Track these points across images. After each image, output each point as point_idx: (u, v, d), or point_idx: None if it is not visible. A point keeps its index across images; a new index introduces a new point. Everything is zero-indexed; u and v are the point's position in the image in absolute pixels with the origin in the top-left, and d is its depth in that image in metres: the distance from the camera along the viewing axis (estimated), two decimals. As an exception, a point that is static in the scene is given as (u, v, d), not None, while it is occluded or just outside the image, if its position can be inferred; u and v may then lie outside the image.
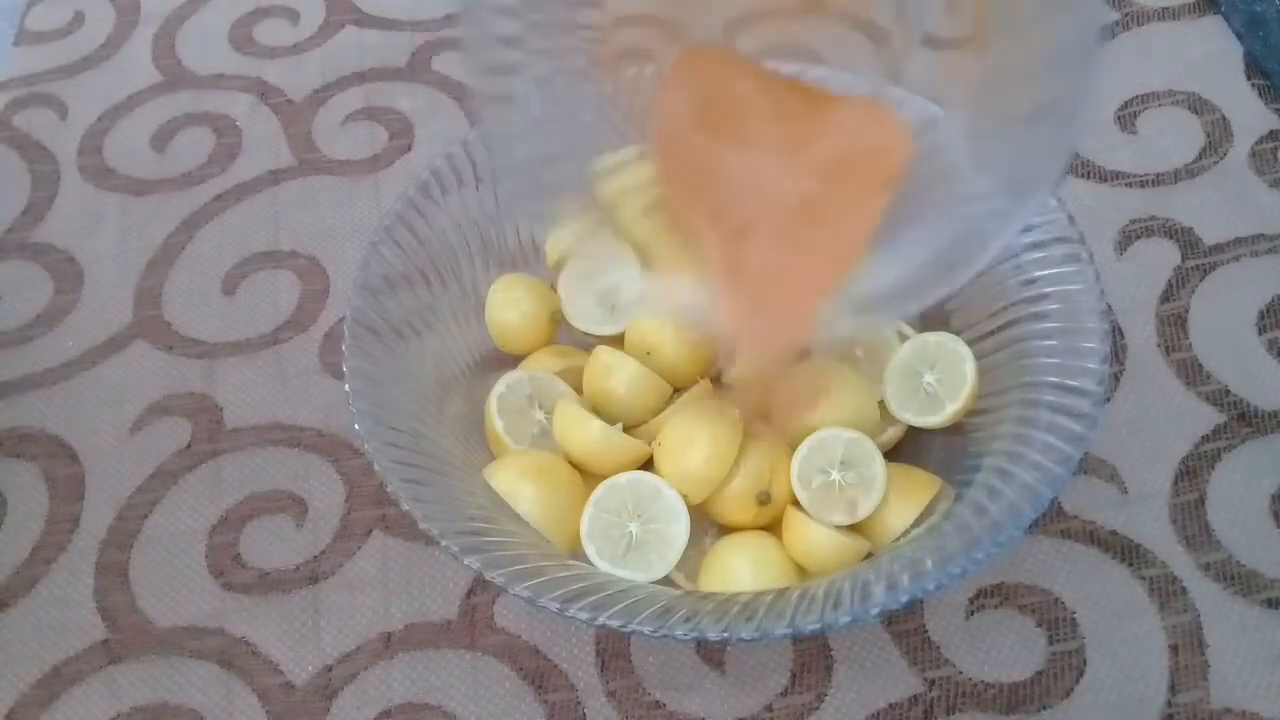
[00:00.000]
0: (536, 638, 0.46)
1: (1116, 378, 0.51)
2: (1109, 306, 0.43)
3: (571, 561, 0.42)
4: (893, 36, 0.42)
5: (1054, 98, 0.29)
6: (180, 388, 0.54)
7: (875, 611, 0.36)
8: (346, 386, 0.43)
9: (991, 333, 0.46)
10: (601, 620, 0.37)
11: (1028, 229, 0.46)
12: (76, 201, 0.62)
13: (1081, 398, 0.40)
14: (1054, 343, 0.43)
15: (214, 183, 0.62)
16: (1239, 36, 0.62)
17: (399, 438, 0.43)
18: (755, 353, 0.38)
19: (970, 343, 0.45)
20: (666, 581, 0.43)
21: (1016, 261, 0.46)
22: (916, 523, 0.42)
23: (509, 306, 0.49)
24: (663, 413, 0.46)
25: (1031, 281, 0.45)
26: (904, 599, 0.36)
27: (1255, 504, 0.47)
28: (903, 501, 0.43)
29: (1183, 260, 0.54)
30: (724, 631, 0.36)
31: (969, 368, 0.44)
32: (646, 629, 0.36)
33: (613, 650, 0.46)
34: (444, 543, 0.39)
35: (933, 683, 0.44)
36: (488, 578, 0.38)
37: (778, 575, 0.42)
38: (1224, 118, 0.59)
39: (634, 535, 0.42)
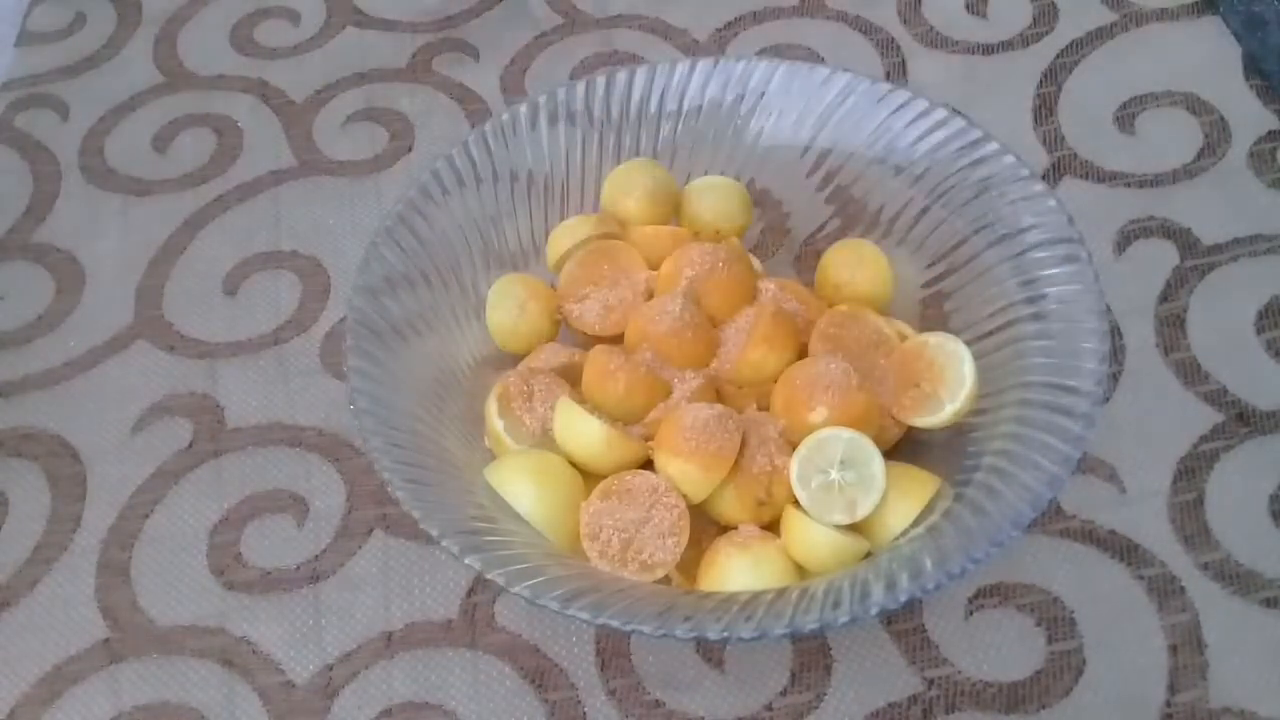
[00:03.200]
0: (537, 637, 0.46)
1: (1115, 378, 0.51)
2: (1108, 307, 0.43)
3: (572, 560, 0.42)
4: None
5: None
6: (181, 388, 0.54)
7: (874, 611, 0.36)
8: (349, 386, 0.43)
9: (991, 333, 0.46)
10: (602, 619, 0.37)
11: (1028, 229, 0.46)
12: (78, 202, 0.62)
13: (1080, 398, 0.41)
14: (1053, 343, 0.43)
15: (215, 183, 0.62)
16: (1237, 37, 0.62)
17: (401, 438, 0.43)
18: None
19: (970, 343, 0.45)
20: (665, 581, 0.43)
21: (1017, 263, 0.46)
22: (916, 522, 0.43)
23: (509, 306, 0.49)
24: (661, 409, 0.46)
25: (1031, 282, 0.45)
26: (902, 599, 0.36)
27: (1254, 503, 0.47)
28: (902, 501, 0.43)
29: (1181, 260, 0.54)
30: (724, 631, 0.36)
31: (968, 368, 0.44)
32: (647, 628, 0.37)
33: (613, 649, 0.46)
34: (445, 543, 0.39)
35: (932, 682, 0.44)
36: (488, 577, 0.38)
37: (777, 575, 0.42)
38: (1222, 118, 0.59)
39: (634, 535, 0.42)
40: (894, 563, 0.39)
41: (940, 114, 0.49)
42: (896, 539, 0.43)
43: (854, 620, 0.37)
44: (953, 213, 0.49)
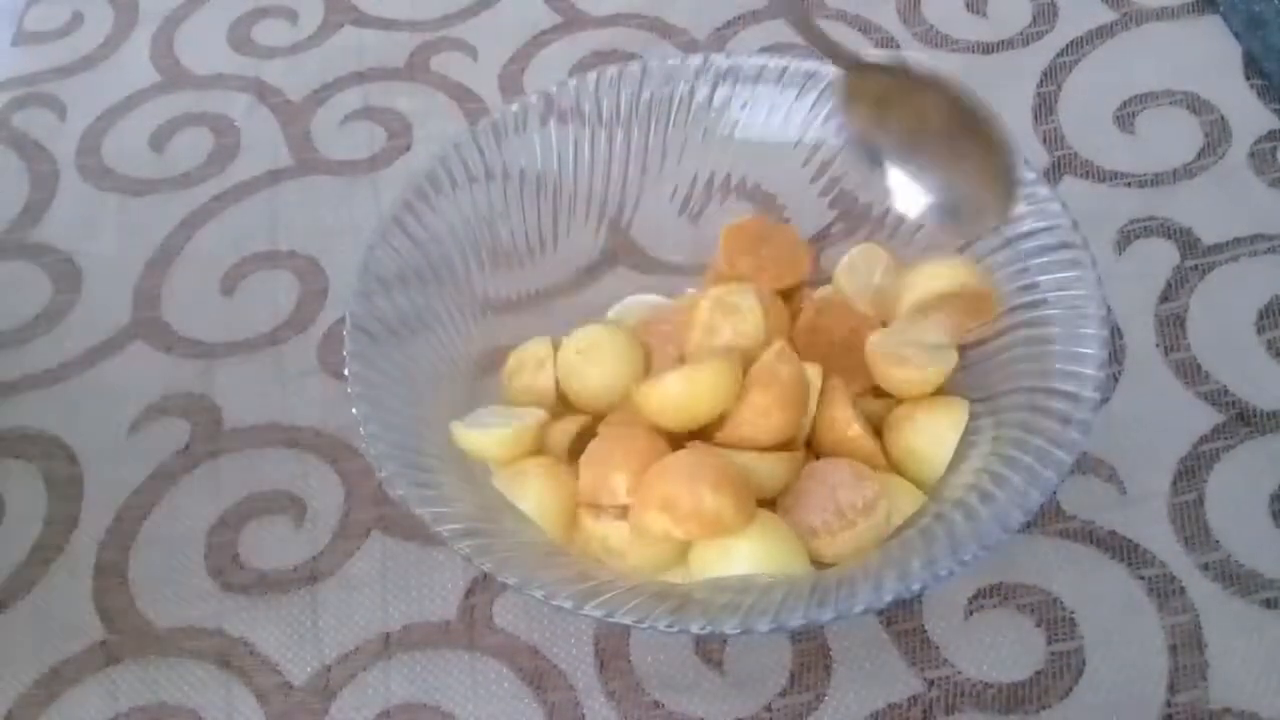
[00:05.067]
0: (535, 638, 0.46)
1: (1115, 378, 0.51)
2: (1108, 307, 0.43)
3: (576, 558, 0.42)
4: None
5: None
6: (179, 388, 0.54)
7: (859, 610, 0.37)
8: (351, 390, 0.42)
9: (991, 334, 0.46)
10: (616, 617, 0.37)
11: (1030, 233, 0.45)
12: (75, 202, 0.62)
13: (1076, 404, 0.40)
14: (1052, 348, 0.43)
15: (212, 183, 0.62)
16: (1238, 36, 0.62)
17: (405, 440, 0.43)
18: None
19: (968, 345, 0.46)
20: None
21: (1020, 266, 0.46)
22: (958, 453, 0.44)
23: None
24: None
25: (1032, 286, 0.45)
26: (887, 599, 0.37)
27: (1254, 504, 0.47)
28: (940, 429, 0.44)
29: (1181, 260, 0.54)
30: (739, 626, 0.36)
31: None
32: (661, 624, 0.37)
33: (612, 650, 0.46)
34: (457, 546, 0.39)
35: (932, 683, 0.44)
36: (501, 579, 0.38)
37: (783, 558, 0.41)
38: (1223, 118, 0.59)
39: None
40: (882, 564, 0.39)
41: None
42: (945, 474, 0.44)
43: (867, 611, 0.37)
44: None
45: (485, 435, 0.45)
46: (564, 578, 0.39)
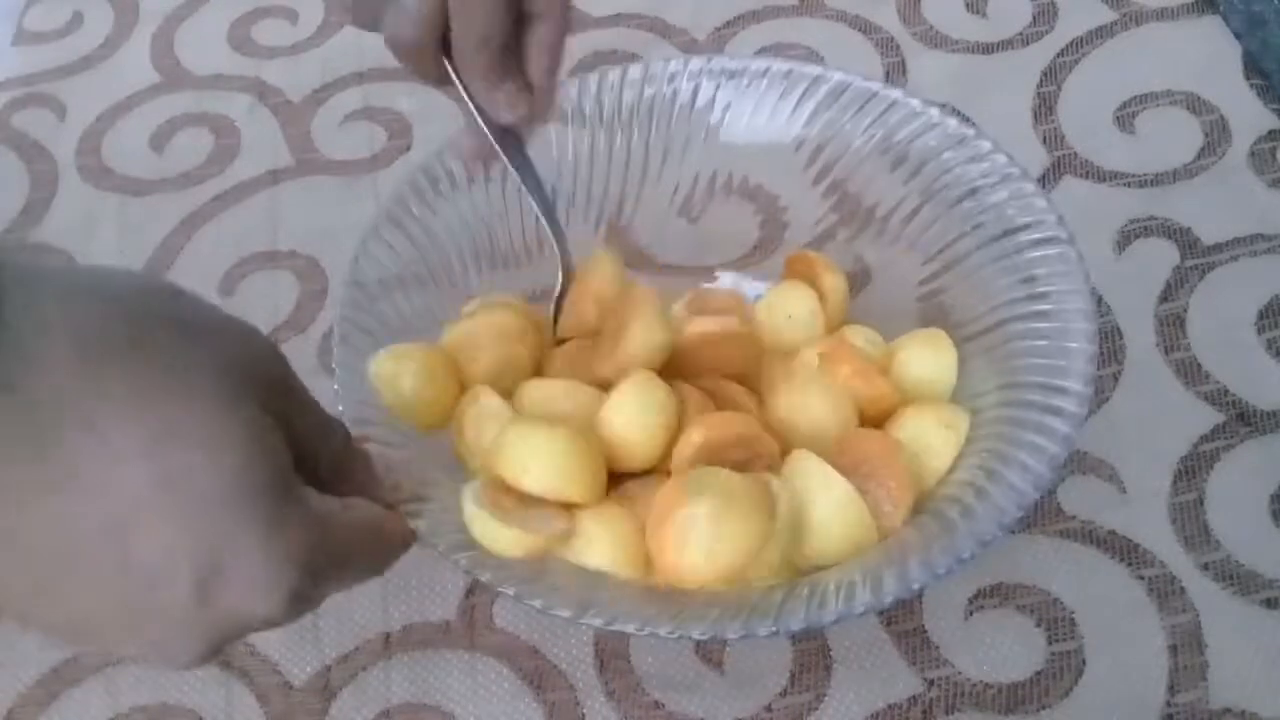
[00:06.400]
0: (535, 638, 0.46)
1: (1115, 378, 0.51)
2: (1108, 307, 0.43)
3: (569, 564, 0.42)
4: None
5: None
6: (179, 388, 0.54)
7: (860, 611, 0.36)
8: (335, 386, 0.41)
9: (984, 332, 0.46)
10: (617, 625, 0.36)
11: (1018, 229, 0.45)
12: (75, 202, 0.62)
13: (1067, 398, 0.40)
14: (1041, 343, 0.43)
15: (212, 183, 0.62)
16: (1238, 36, 0.62)
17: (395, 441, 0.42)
18: None
19: (961, 341, 0.46)
20: None
21: (1008, 263, 0.46)
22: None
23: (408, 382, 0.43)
24: None
25: (1024, 282, 0.45)
26: (887, 599, 0.36)
27: (1254, 504, 0.47)
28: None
29: (1181, 260, 0.54)
30: (741, 630, 0.36)
31: None
32: (662, 631, 0.36)
33: (612, 650, 0.46)
34: (454, 557, 0.38)
35: (932, 683, 0.44)
36: (500, 590, 0.37)
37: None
38: (1223, 117, 0.59)
39: None
40: (880, 562, 0.39)
41: (933, 113, 0.49)
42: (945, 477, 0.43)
43: (867, 612, 0.37)
44: (947, 211, 0.48)
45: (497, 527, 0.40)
46: (563, 587, 0.38)
